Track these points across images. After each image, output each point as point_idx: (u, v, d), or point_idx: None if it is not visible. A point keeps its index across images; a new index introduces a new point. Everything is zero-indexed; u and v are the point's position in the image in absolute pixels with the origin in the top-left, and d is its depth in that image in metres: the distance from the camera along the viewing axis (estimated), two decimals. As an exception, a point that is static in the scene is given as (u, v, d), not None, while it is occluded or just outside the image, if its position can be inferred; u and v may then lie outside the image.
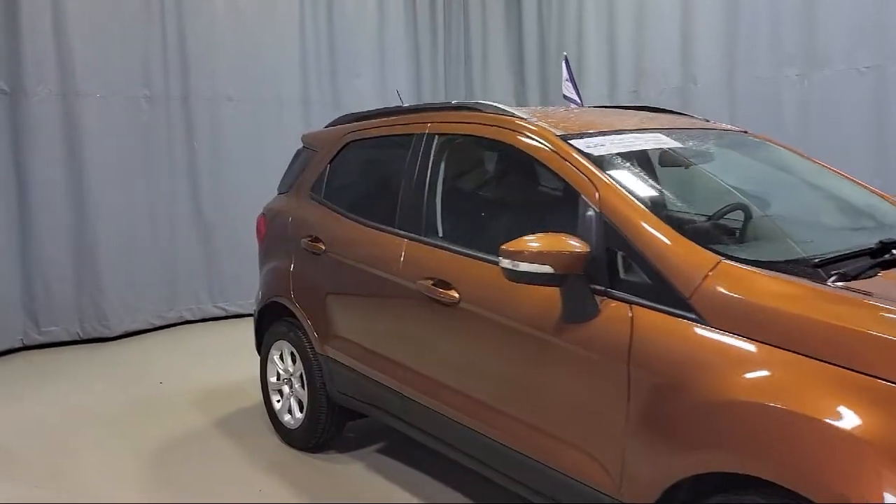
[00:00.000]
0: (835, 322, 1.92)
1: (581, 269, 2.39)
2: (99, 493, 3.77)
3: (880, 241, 2.38)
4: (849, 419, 1.79)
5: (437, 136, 3.37)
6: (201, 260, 7.08)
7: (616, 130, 2.98)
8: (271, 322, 4.37)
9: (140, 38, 6.49)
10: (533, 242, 2.40)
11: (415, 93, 8.28)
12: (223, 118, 7.00)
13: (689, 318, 2.19)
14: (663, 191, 2.68)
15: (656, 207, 2.48)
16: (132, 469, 4.02)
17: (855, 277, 2.17)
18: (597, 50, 7.32)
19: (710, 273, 2.19)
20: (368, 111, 4.08)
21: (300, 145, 7.31)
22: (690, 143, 3.15)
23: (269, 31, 7.17)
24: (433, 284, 3.06)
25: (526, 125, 2.97)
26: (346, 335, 3.73)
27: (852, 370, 1.84)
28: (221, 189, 7.06)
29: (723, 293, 2.15)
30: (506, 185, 3.57)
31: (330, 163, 4.06)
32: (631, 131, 3.02)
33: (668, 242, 2.32)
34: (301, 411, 4.15)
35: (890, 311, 1.92)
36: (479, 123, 3.20)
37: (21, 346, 6.23)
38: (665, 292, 2.26)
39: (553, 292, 2.51)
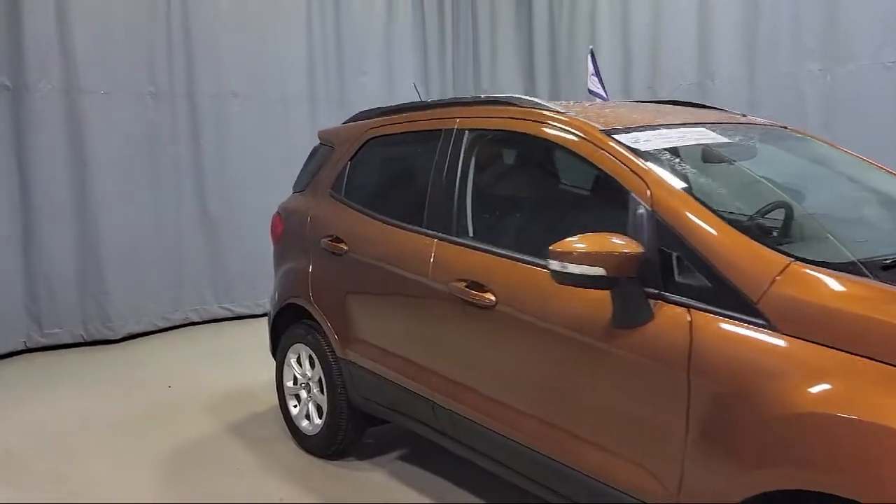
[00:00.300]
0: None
1: (634, 271, 2.25)
2: (109, 501, 3.63)
3: None
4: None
5: (467, 132, 3.23)
6: (207, 260, 6.94)
7: (660, 125, 2.85)
8: (288, 325, 4.23)
9: (145, 34, 6.35)
10: (583, 243, 2.26)
11: (422, 90, 8.13)
12: (229, 115, 6.86)
13: (756, 324, 2.06)
14: (718, 188, 2.54)
15: (714, 206, 2.34)
16: (144, 477, 3.88)
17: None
18: (610, 44, 7.18)
19: (780, 276, 2.06)
20: (389, 106, 3.93)
21: (307, 143, 7.24)
22: (738, 138, 3.02)
23: (276, 27, 7.03)
24: (466, 286, 2.92)
25: (566, 119, 2.83)
26: (370, 338, 3.59)
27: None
28: (227, 187, 6.92)
29: (795, 297, 2.01)
30: (544, 182, 3.43)
31: (350, 160, 3.92)
32: (675, 126, 2.88)
33: (732, 243, 2.19)
34: (320, 417, 4.01)
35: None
36: (514, 118, 3.06)
37: (24, 348, 6.08)
38: (728, 296, 2.13)
39: (601, 295, 2.38)
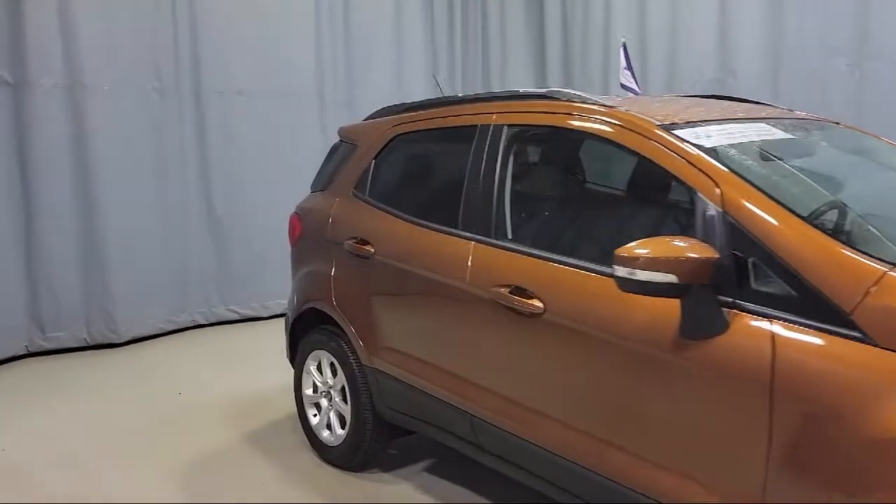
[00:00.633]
0: None
1: (707, 277, 2.08)
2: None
3: None
4: None
5: (505, 128, 3.04)
6: (213, 260, 6.73)
7: (718, 120, 2.67)
8: (307, 330, 4.05)
9: (150, 28, 6.13)
10: (652, 247, 2.09)
11: (431, 85, 7.94)
12: (235, 113, 6.65)
13: (850, 337, 1.88)
14: (792, 187, 2.37)
15: (794, 206, 2.16)
16: (162, 491, 3.70)
17: None
18: (625, 34, 6.99)
19: (876, 285, 1.88)
20: (416, 102, 3.75)
21: (314, 141, 7.12)
22: (798, 134, 2.85)
23: (284, 23, 6.82)
24: (510, 292, 2.74)
25: (617, 114, 2.65)
26: (399, 346, 3.41)
27: None
28: (234, 186, 6.72)
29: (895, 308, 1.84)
30: (592, 181, 3.24)
31: (375, 158, 3.73)
32: (733, 121, 2.71)
33: (820, 249, 2.01)
34: (342, 427, 3.83)
35: None
36: (557, 113, 2.88)
37: (26, 352, 5.88)
38: (816, 306, 1.96)
39: (667, 304, 2.20)
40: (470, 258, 2.97)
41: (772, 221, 2.11)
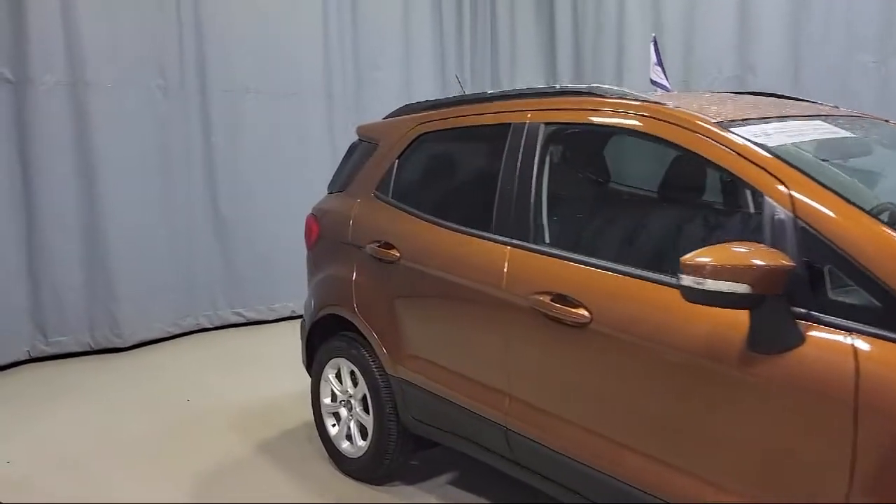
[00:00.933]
0: None
1: (781, 287, 1.92)
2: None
3: None
4: None
5: (542, 126, 2.88)
6: (219, 262, 6.57)
7: (774, 117, 2.52)
8: (325, 336, 3.88)
9: (154, 25, 5.96)
10: (723, 255, 1.93)
11: (440, 85, 7.80)
12: (242, 111, 6.49)
13: (946, 353, 1.73)
14: (863, 188, 2.22)
15: (871, 209, 2.01)
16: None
17: None
18: (641, 34, 6.83)
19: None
20: (441, 99, 3.58)
21: (322, 140, 6.96)
22: (856, 132, 2.70)
23: (291, 20, 6.65)
24: (552, 300, 2.59)
25: (668, 111, 2.50)
26: (427, 355, 3.25)
27: None
28: (240, 186, 6.56)
29: None
30: (642, 182, 3.08)
31: (398, 158, 3.57)
32: (789, 118, 2.56)
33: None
34: (364, 438, 3.67)
35: None
36: (600, 110, 2.72)
37: (27, 357, 5.71)
38: (905, 318, 1.81)
39: (729, 314, 2.05)
40: (506, 264, 2.82)
41: (850, 226, 1.95)
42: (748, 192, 2.18)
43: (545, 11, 7.82)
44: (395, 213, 3.47)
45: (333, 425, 3.88)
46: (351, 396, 3.74)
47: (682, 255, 1.99)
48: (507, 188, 2.92)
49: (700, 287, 1.94)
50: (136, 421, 4.53)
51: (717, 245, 1.98)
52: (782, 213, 2.05)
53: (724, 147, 2.28)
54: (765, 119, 2.46)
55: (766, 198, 2.11)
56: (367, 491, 3.65)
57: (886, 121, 3.11)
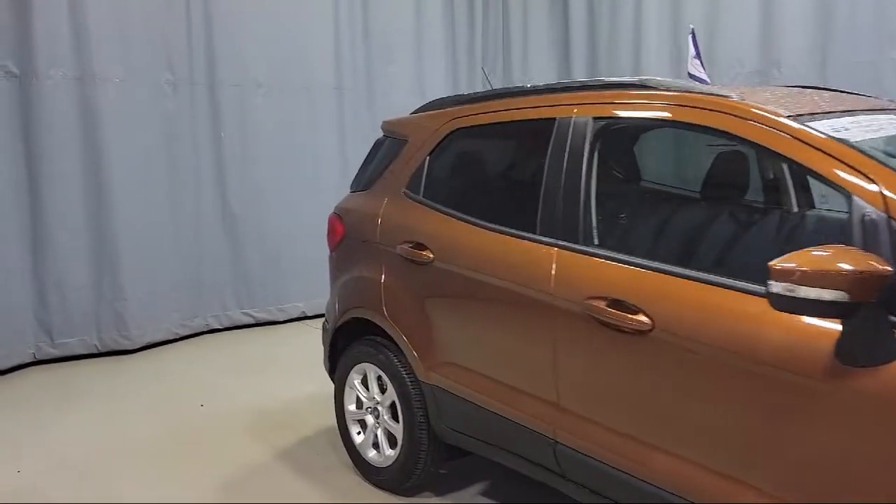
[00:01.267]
0: None
1: (877, 294, 1.77)
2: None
3: None
4: None
5: (591, 121, 2.72)
6: (228, 262, 6.42)
7: (847, 111, 2.37)
8: (349, 340, 3.73)
9: (163, 17, 5.81)
10: (816, 260, 1.78)
11: (451, 80, 7.64)
12: (252, 106, 6.33)
13: None
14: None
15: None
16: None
17: None
18: (658, 28, 6.70)
19: None
20: (475, 93, 3.42)
21: (333, 135, 6.79)
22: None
23: (301, 13, 6.49)
24: (607, 305, 2.43)
25: (733, 104, 2.34)
26: (464, 362, 3.09)
27: None
28: (250, 183, 6.40)
29: None
30: (706, 180, 2.91)
31: (430, 154, 3.41)
32: (861, 112, 2.41)
33: None
34: (392, 447, 3.52)
35: None
36: (657, 103, 2.56)
37: (33, 360, 5.54)
38: None
39: (812, 323, 1.90)
40: (553, 266, 2.66)
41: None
42: (831, 190, 2.01)
43: (559, 5, 7.66)
44: (428, 212, 3.31)
45: (358, 433, 3.72)
46: (378, 403, 3.59)
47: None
48: (553, 186, 2.76)
49: (790, 294, 1.79)
50: (148, 427, 4.37)
51: (806, 249, 1.82)
52: (873, 213, 1.90)
53: (801, 141, 2.12)
54: (837, 113, 2.31)
55: (855, 197, 1.96)
56: (396, 502, 3.49)
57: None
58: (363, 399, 3.68)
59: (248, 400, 4.78)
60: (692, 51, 4.71)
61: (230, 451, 4.03)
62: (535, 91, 3.08)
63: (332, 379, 3.90)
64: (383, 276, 3.45)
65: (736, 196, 2.92)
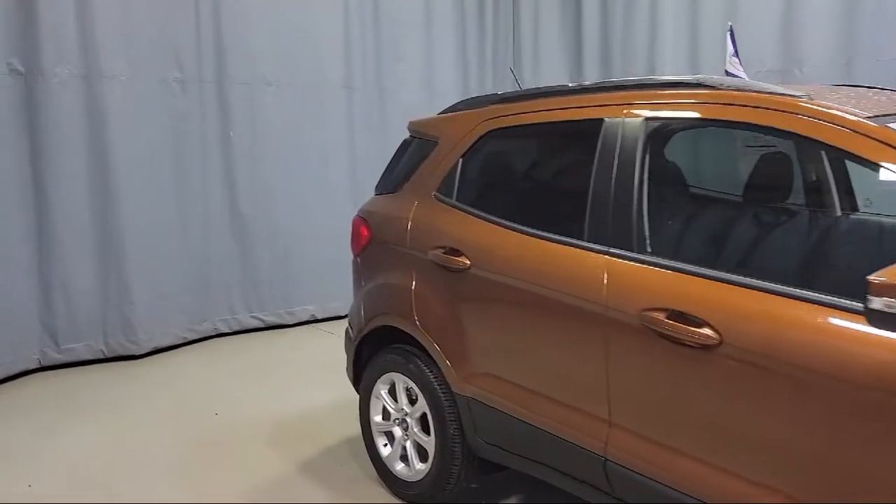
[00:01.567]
0: None
1: None
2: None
3: None
4: None
5: (643, 123, 2.59)
6: (237, 264, 6.28)
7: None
8: (376, 349, 3.59)
9: (171, 15, 5.65)
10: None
11: (461, 78, 7.50)
12: (261, 104, 6.19)
13: None
14: None
15: None
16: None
17: None
18: (674, 25, 6.55)
19: None
20: (511, 92, 3.27)
21: (343, 134, 6.64)
22: None
23: (311, 11, 6.33)
24: (667, 318, 2.30)
25: (805, 106, 2.21)
26: (503, 374, 2.96)
27: None
28: (258, 183, 6.26)
29: None
30: (781, 185, 2.75)
31: (463, 156, 3.27)
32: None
33: None
34: (422, 461, 3.38)
35: None
36: (716, 104, 2.42)
37: (38, 366, 5.39)
38: None
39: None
40: (605, 275, 2.52)
41: None
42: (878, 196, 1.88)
43: (571, 3, 7.52)
44: (463, 216, 3.17)
45: (385, 445, 3.59)
46: (407, 415, 3.45)
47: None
48: (603, 191, 2.63)
49: (894, 311, 1.66)
50: (163, 437, 4.23)
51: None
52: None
53: (888, 145, 1.99)
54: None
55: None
56: (428, 518, 3.36)
57: None
58: (391, 410, 3.54)
59: (263, 407, 4.64)
60: (730, 48, 4.57)
61: (250, 463, 3.89)
62: (576, 91, 2.94)
63: (356, 388, 3.76)
64: (414, 283, 3.31)
65: (781, 199, 2.79)
